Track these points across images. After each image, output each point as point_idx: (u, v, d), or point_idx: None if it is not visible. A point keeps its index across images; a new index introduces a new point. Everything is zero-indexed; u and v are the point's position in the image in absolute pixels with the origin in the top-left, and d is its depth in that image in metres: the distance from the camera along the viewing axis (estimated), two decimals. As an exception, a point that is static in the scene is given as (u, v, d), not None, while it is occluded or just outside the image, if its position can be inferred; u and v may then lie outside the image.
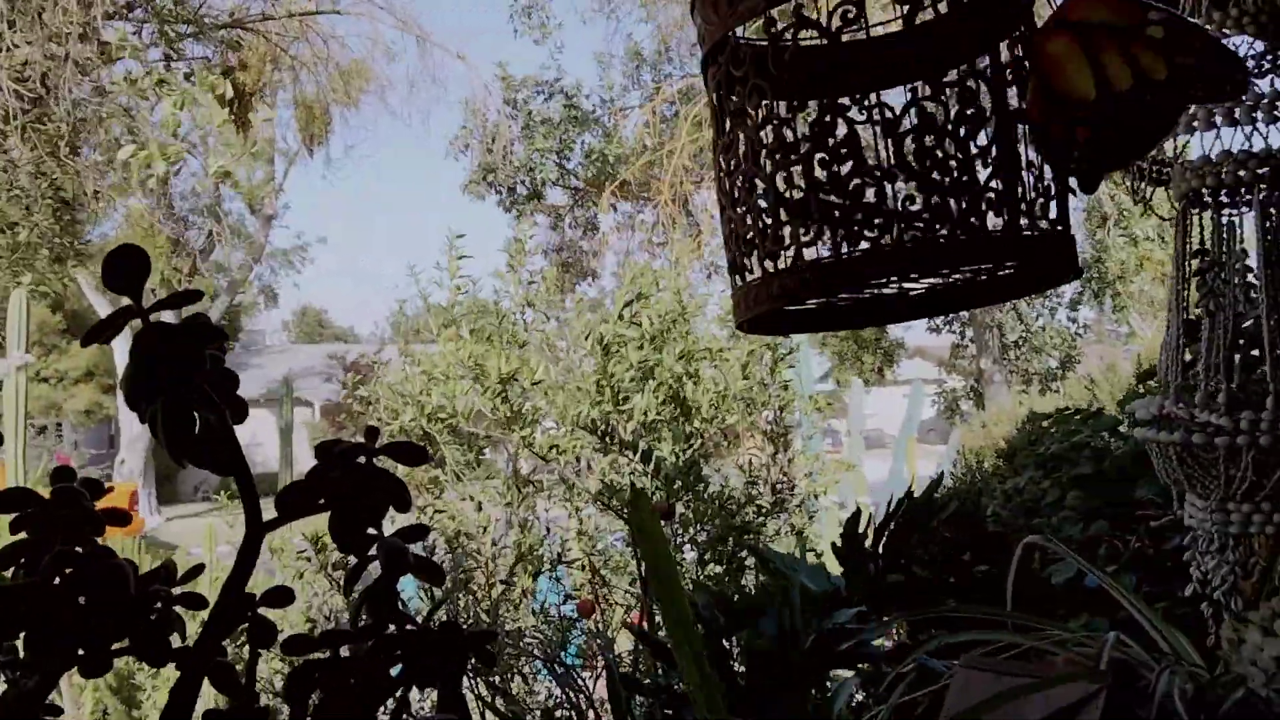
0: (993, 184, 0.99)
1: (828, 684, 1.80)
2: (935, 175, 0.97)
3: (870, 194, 1.00)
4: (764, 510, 3.83)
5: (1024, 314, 15.78)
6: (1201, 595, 1.59)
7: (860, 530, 2.36)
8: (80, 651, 0.57)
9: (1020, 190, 1.00)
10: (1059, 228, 1.04)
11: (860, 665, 1.89)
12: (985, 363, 16.05)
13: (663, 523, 3.52)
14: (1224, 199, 1.69)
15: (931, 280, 1.17)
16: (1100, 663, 1.35)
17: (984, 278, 1.17)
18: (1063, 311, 16.08)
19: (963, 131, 0.97)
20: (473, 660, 0.65)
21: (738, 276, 1.09)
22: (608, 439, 3.05)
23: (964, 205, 0.98)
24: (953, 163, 0.97)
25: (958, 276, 1.15)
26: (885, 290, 1.19)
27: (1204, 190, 1.67)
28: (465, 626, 0.69)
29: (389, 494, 0.64)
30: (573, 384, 3.37)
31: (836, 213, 0.99)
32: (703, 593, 2.32)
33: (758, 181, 1.02)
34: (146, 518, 17.97)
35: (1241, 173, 1.57)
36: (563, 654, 3.35)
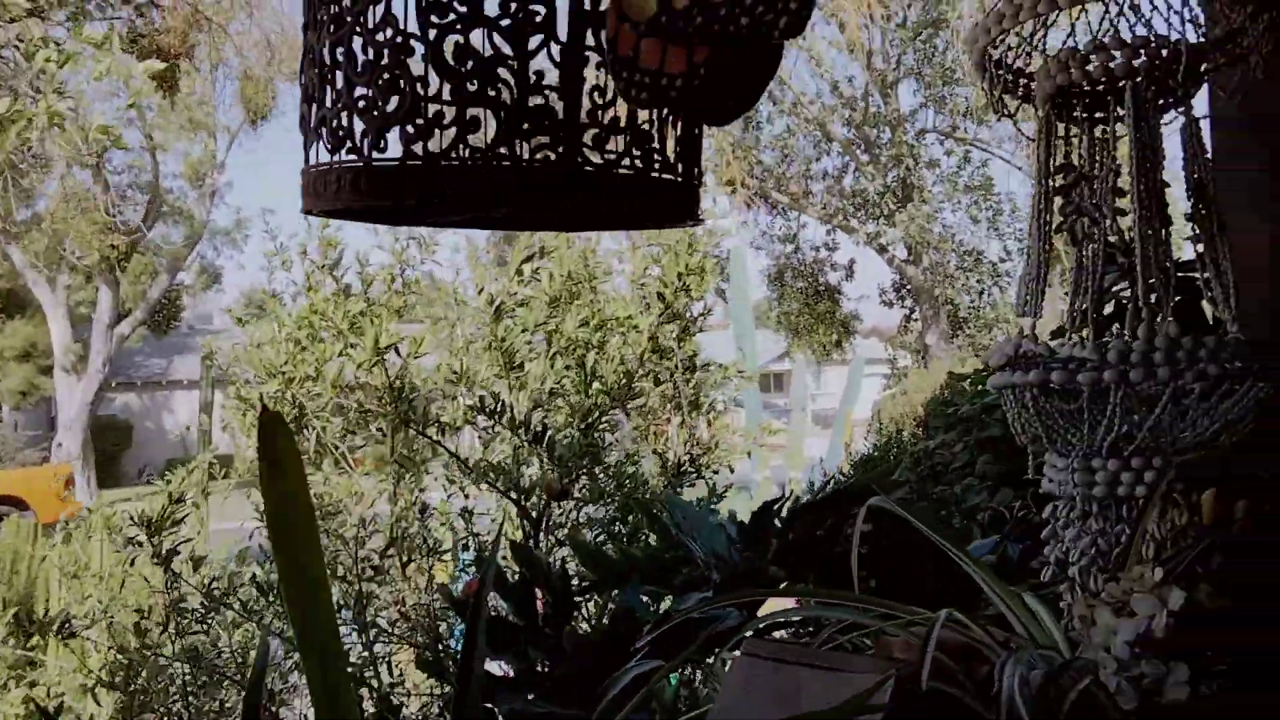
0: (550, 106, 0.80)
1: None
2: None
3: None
4: (670, 484, 3.60)
5: (972, 288, 15.71)
6: (1061, 576, 1.36)
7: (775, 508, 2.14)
8: None
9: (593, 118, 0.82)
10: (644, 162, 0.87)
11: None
12: (931, 338, 15.94)
13: (557, 504, 3.28)
14: (1090, 102, 1.46)
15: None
16: (927, 646, 1.12)
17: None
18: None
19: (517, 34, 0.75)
20: None
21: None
22: (495, 415, 2.79)
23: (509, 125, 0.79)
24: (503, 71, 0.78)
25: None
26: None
27: (1070, 90, 1.45)
28: None
29: None
30: (462, 348, 3.12)
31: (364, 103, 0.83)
32: (583, 552, 2.07)
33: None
34: (85, 500, 17.50)
35: (1112, 65, 1.33)
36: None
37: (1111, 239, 1.41)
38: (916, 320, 16.83)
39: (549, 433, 2.79)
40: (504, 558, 3.31)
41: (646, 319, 3.32)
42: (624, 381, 2.99)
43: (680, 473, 3.73)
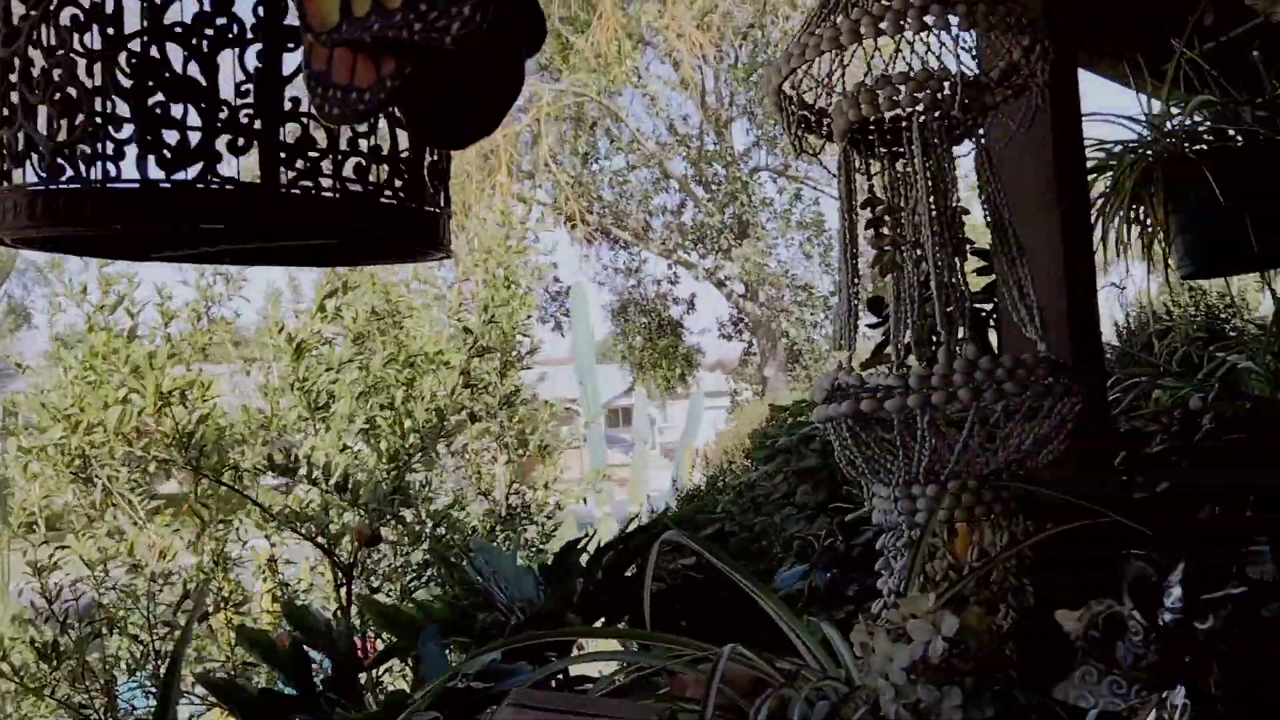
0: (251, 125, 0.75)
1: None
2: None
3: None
4: (496, 525, 3.51)
5: (806, 322, 16.15)
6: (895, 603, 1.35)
7: (581, 547, 2.06)
8: None
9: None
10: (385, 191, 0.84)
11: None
12: (769, 370, 16.30)
13: (365, 549, 3.14)
14: (890, 137, 1.48)
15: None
16: (712, 682, 1.08)
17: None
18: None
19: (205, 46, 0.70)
20: None
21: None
22: (289, 470, 2.63)
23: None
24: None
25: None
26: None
27: (867, 125, 1.46)
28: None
29: None
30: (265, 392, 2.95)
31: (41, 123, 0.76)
32: (374, 609, 1.96)
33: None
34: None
35: (897, 100, 1.35)
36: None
37: (922, 268, 1.43)
38: (755, 353, 17.18)
39: (351, 478, 2.66)
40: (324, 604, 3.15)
41: (459, 354, 3.23)
42: (435, 420, 2.89)
43: (510, 515, 3.64)
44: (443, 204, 0.91)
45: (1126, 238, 2.47)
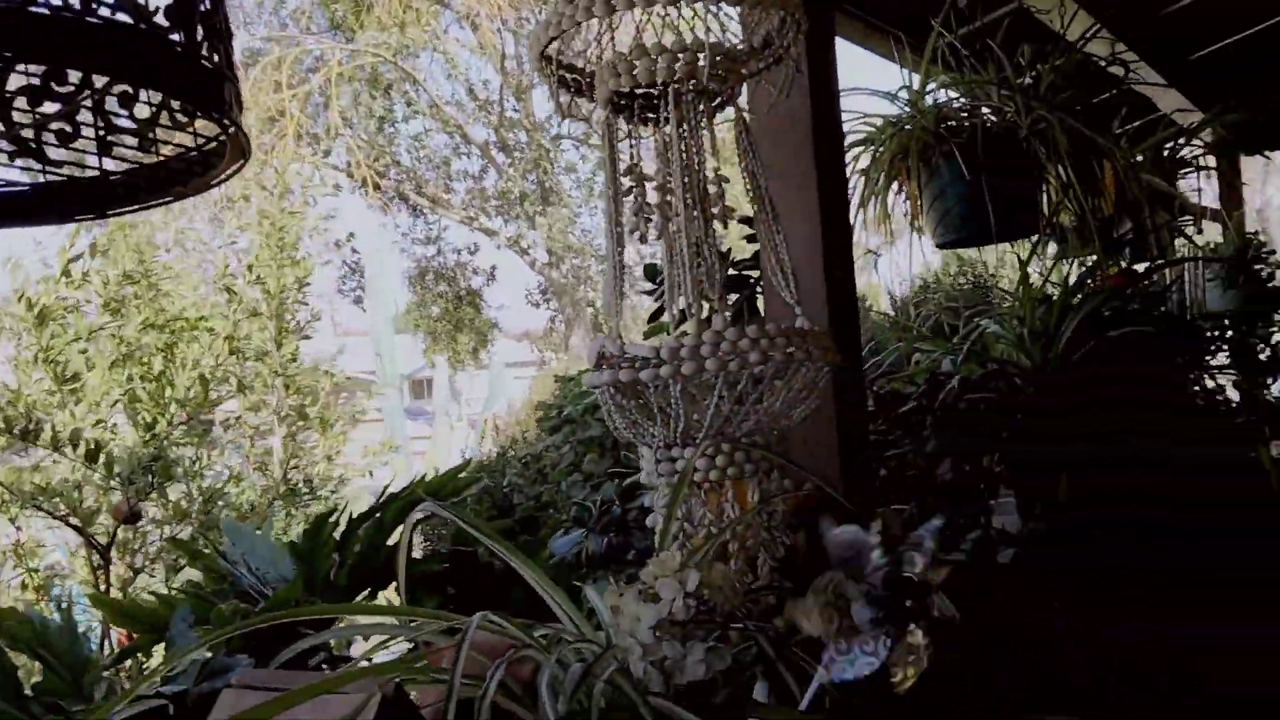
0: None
1: None
2: None
3: None
4: (273, 501, 3.36)
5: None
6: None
7: (334, 521, 1.99)
8: None
9: None
10: None
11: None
12: (575, 339, 16.39)
13: (123, 527, 2.96)
14: (655, 102, 1.49)
15: None
16: (460, 650, 1.06)
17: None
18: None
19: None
20: None
21: None
22: (27, 434, 2.43)
23: None
24: None
25: None
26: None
27: (633, 93, 1.47)
28: None
29: None
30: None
31: None
32: (105, 607, 1.84)
33: None
34: None
35: (654, 70, 1.36)
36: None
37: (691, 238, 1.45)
38: (561, 322, 17.21)
39: (104, 449, 2.49)
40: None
41: (224, 320, 3.06)
42: (200, 390, 2.74)
43: (291, 491, 3.51)
44: (225, 66, 0.84)
45: (888, 209, 2.60)
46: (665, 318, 2.39)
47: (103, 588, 2.64)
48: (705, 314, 1.35)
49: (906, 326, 2.84)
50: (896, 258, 2.64)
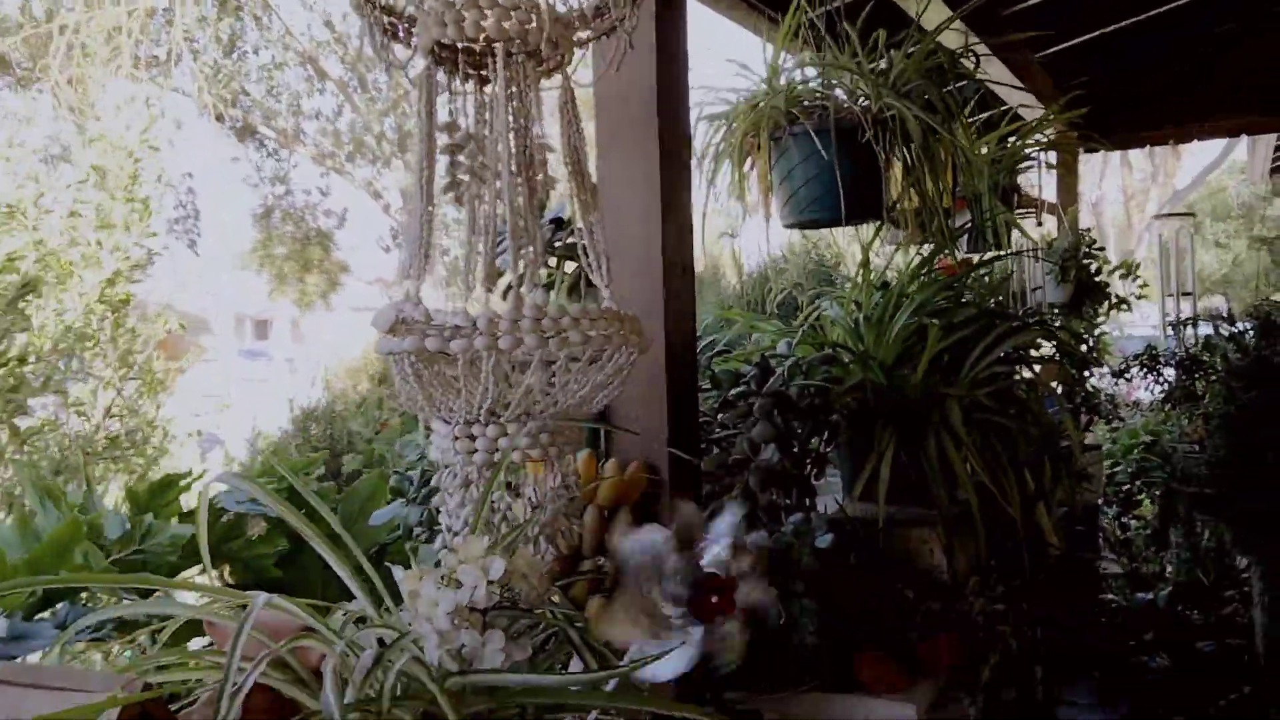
0: None
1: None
2: None
3: None
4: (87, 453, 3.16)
5: (464, 241, 15.95)
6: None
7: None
8: None
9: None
10: None
11: None
12: (427, 288, 16.03)
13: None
14: (479, 57, 1.41)
15: None
16: (239, 635, 0.99)
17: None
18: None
19: None
20: None
21: None
22: None
23: None
24: None
25: None
26: None
27: (456, 46, 1.38)
28: None
29: None
30: None
31: None
32: None
33: None
34: None
35: (484, 25, 1.28)
36: None
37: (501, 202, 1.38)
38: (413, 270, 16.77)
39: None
40: None
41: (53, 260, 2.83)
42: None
43: (111, 441, 3.30)
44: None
45: (738, 186, 2.58)
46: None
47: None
48: (524, 284, 1.29)
49: (754, 306, 2.85)
50: (756, 234, 2.63)
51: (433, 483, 1.41)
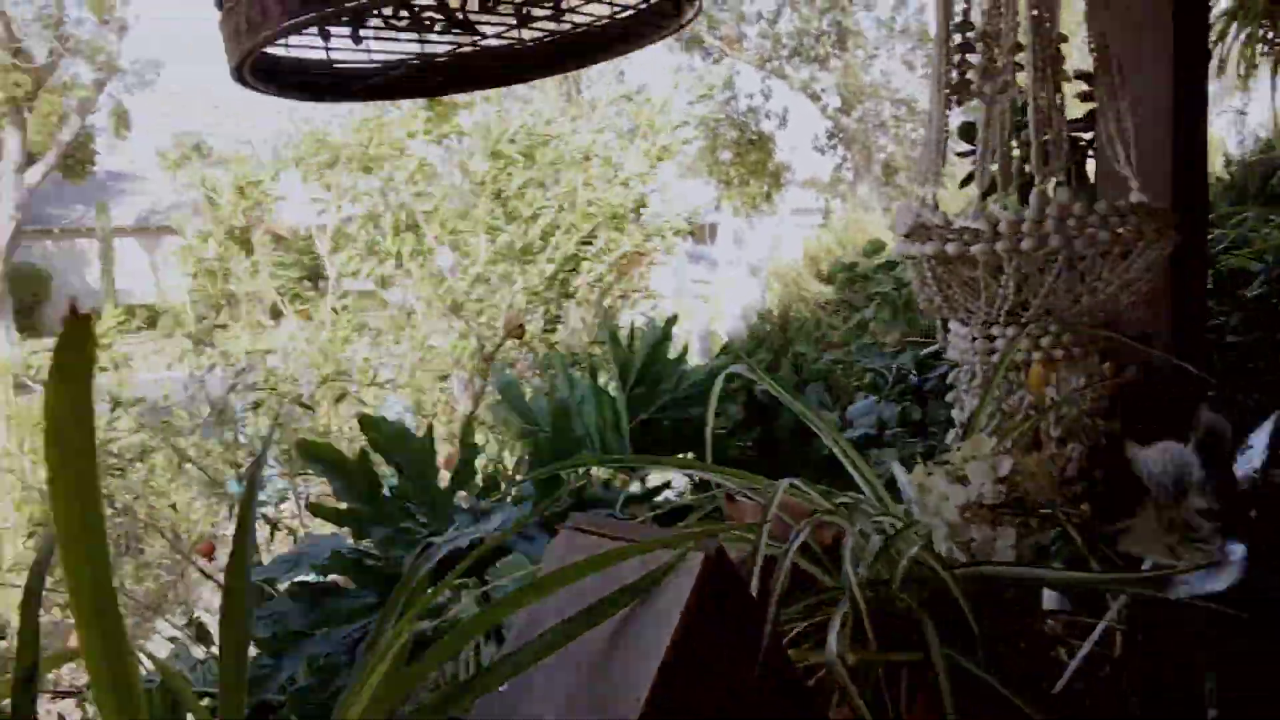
0: None
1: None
2: None
3: None
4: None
5: (905, 138, 15.56)
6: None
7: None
8: None
9: None
10: None
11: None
12: (863, 187, 15.88)
13: (509, 341, 3.19)
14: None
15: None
16: (767, 512, 1.10)
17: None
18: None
19: None
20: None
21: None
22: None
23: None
24: None
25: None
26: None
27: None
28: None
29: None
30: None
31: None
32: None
33: None
34: (4, 350, 16.99)
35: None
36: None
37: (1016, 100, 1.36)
38: (849, 169, 16.69)
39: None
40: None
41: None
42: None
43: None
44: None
45: (1253, 58, 2.29)
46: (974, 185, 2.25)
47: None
48: (1041, 185, 1.26)
49: (1257, 193, 2.53)
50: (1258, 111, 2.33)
51: (949, 380, 1.43)
